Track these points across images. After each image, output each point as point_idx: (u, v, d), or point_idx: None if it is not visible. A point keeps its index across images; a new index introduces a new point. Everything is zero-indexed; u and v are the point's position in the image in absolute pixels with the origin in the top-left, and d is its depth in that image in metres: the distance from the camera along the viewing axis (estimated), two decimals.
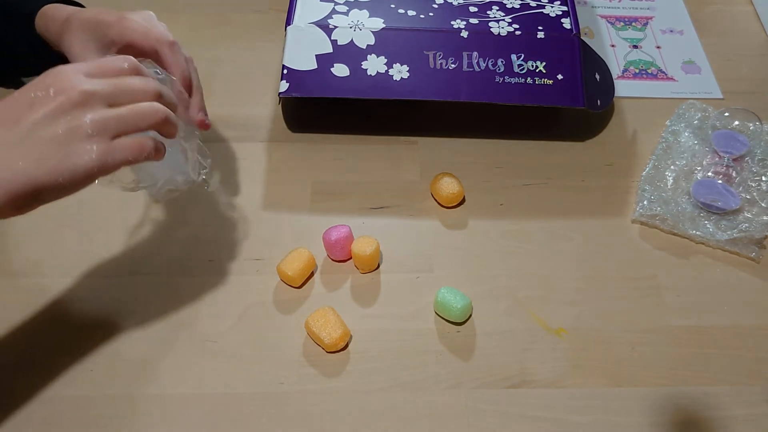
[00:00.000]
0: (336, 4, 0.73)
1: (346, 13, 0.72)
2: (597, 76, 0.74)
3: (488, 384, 0.55)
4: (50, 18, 0.59)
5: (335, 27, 0.71)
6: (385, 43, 0.71)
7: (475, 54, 0.70)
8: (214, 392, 0.54)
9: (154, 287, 0.61)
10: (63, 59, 0.64)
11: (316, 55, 0.70)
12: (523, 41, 0.71)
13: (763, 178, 0.68)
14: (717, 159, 0.69)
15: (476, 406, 0.54)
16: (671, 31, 0.87)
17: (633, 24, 0.87)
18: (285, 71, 0.70)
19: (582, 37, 0.73)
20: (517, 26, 0.72)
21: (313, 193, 0.68)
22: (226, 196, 0.68)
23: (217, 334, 0.58)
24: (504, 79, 0.70)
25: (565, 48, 0.71)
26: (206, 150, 0.58)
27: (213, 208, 0.67)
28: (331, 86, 0.69)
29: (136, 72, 0.48)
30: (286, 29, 0.72)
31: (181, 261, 0.62)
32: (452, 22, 0.72)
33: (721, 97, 0.78)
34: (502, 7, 0.74)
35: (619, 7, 0.90)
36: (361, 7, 0.73)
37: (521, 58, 0.70)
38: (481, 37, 0.71)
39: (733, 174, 0.68)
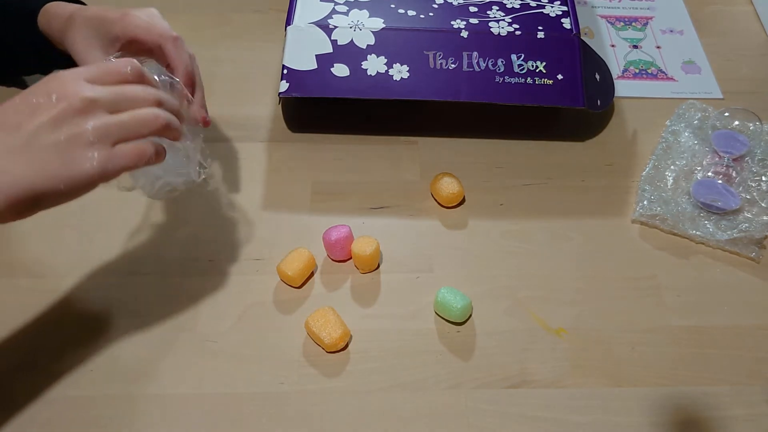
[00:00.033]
0: (336, 4, 0.73)
1: (346, 13, 0.72)
2: (597, 76, 0.74)
3: (488, 384, 0.55)
4: (53, 15, 0.59)
5: (335, 27, 0.71)
6: (385, 43, 0.71)
7: (475, 54, 0.70)
8: (214, 392, 0.54)
9: (154, 287, 0.61)
10: (65, 57, 0.64)
11: (316, 55, 0.70)
12: (523, 41, 0.71)
13: (763, 178, 0.68)
14: (717, 159, 0.69)
15: (476, 406, 0.54)
16: (671, 31, 0.87)
17: (633, 24, 0.87)
18: (285, 71, 0.70)
19: (582, 37, 0.73)
20: (517, 26, 0.72)
21: (313, 193, 0.68)
22: (226, 196, 0.68)
23: (217, 334, 0.58)
24: (504, 79, 0.70)
25: (565, 48, 0.71)
26: (207, 150, 0.58)
27: (213, 208, 0.67)
28: (331, 86, 0.69)
29: (139, 76, 0.48)
30: (286, 29, 0.72)
31: (181, 261, 0.62)
32: (452, 22, 0.72)
33: (721, 97, 0.78)
34: (502, 7, 0.74)
35: (619, 7, 0.90)
36: (361, 7, 0.73)
37: (521, 58, 0.70)
38: (481, 37, 0.71)
39: (733, 174, 0.68)
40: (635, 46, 0.84)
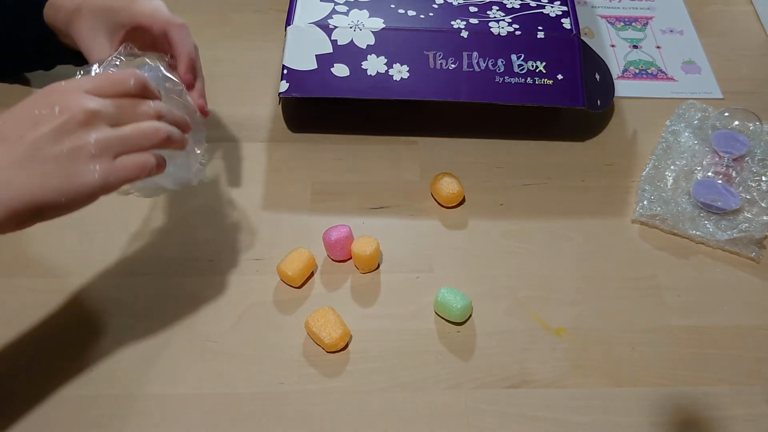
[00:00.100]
0: (336, 4, 0.73)
1: (346, 13, 0.72)
2: (597, 76, 0.74)
3: (488, 384, 0.55)
4: (59, 7, 0.60)
5: (335, 27, 0.71)
6: (385, 43, 0.71)
7: (475, 54, 0.70)
8: (214, 392, 0.54)
9: (154, 287, 0.61)
10: (68, 52, 0.65)
11: (316, 55, 0.70)
12: (523, 41, 0.71)
13: (763, 178, 0.68)
14: (717, 159, 0.69)
15: (476, 406, 0.54)
16: (671, 31, 0.87)
17: (633, 24, 0.87)
18: (285, 71, 0.70)
19: (582, 37, 0.73)
20: (517, 26, 0.72)
21: (313, 193, 0.68)
22: (226, 196, 0.68)
23: (217, 334, 0.58)
24: (504, 79, 0.70)
25: (565, 48, 0.71)
26: (206, 155, 0.58)
27: (213, 208, 0.67)
28: (331, 86, 0.69)
29: (142, 88, 0.48)
30: (286, 29, 0.72)
31: (181, 261, 0.62)
32: (452, 22, 0.72)
33: (721, 97, 0.78)
34: (502, 7, 0.74)
35: (619, 7, 0.90)
36: (361, 7, 0.73)
37: (521, 58, 0.70)
38: (481, 37, 0.71)
39: (733, 174, 0.68)
40: (635, 46, 0.84)
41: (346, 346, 0.57)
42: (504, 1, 0.75)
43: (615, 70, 0.81)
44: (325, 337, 0.55)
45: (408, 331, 0.58)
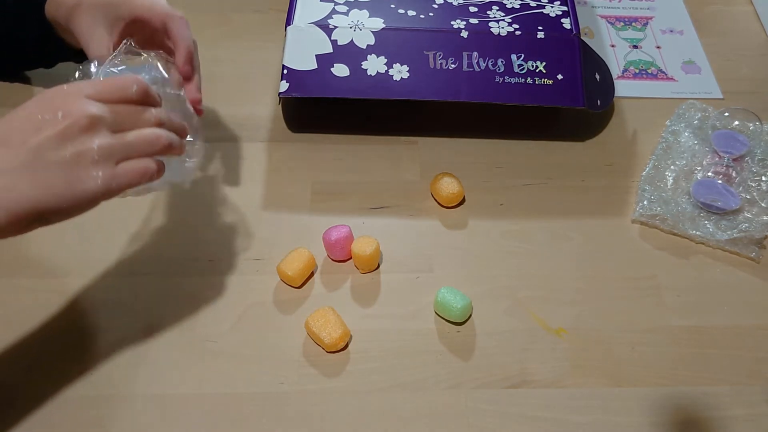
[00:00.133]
0: (336, 4, 0.73)
1: (346, 13, 0.72)
2: (597, 76, 0.74)
3: (488, 384, 0.55)
4: (61, 2, 0.61)
5: (335, 27, 0.71)
6: (385, 43, 0.71)
7: (475, 54, 0.70)
8: (214, 392, 0.54)
9: (154, 287, 0.61)
10: (69, 51, 0.65)
11: (316, 55, 0.70)
12: (523, 41, 0.71)
13: (763, 178, 0.68)
14: (717, 159, 0.69)
15: (476, 406, 0.54)
16: (671, 31, 0.87)
17: (633, 24, 0.87)
18: (285, 71, 0.70)
19: (582, 37, 0.73)
20: (517, 26, 0.72)
21: (313, 193, 0.68)
22: (226, 196, 0.68)
23: (217, 334, 0.58)
24: (504, 79, 0.70)
25: (565, 48, 0.71)
26: (202, 154, 0.57)
27: (213, 208, 0.67)
28: (331, 86, 0.69)
29: (145, 94, 0.48)
30: (286, 29, 0.72)
31: (181, 261, 0.62)
32: (452, 22, 0.72)
33: (721, 97, 0.78)
34: (502, 7, 0.74)
35: (619, 7, 0.90)
36: (361, 7, 0.73)
37: (521, 58, 0.70)
38: (481, 37, 0.71)
39: (733, 174, 0.68)
40: (635, 46, 0.84)
41: (346, 346, 0.57)
42: (504, 1, 0.75)
43: (615, 70, 0.81)
44: (325, 337, 0.55)
45: (408, 331, 0.58)
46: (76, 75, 0.54)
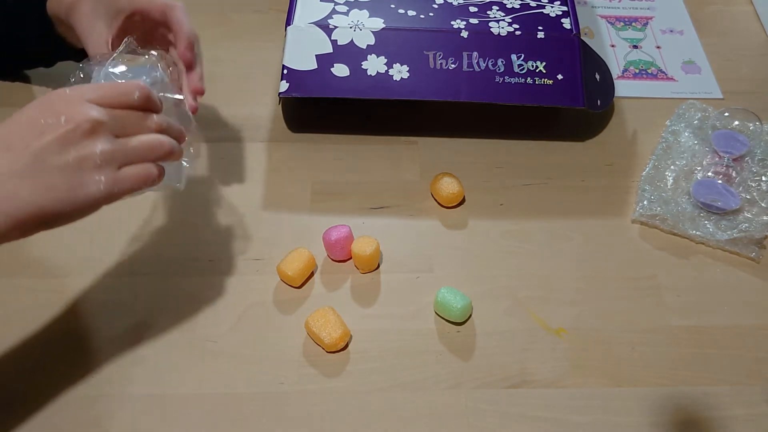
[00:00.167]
0: (336, 4, 0.73)
1: (346, 13, 0.72)
2: (597, 76, 0.74)
3: (488, 384, 0.55)
4: None
5: (335, 27, 0.71)
6: (385, 43, 0.71)
7: (475, 54, 0.70)
8: (214, 392, 0.54)
9: (154, 287, 0.61)
10: (69, 50, 0.65)
11: (316, 55, 0.70)
12: (523, 41, 0.71)
13: (763, 178, 0.68)
14: (717, 159, 0.69)
15: (476, 406, 0.54)
16: (671, 31, 0.87)
17: (633, 24, 0.87)
18: (285, 71, 0.70)
19: (582, 37, 0.73)
20: (517, 26, 0.72)
21: (313, 193, 0.68)
22: (226, 196, 0.68)
23: (217, 334, 0.58)
24: (504, 79, 0.70)
25: (565, 48, 0.71)
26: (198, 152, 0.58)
27: (213, 208, 0.67)
28: (331, 86, 0.69)
29: (147, 100, 0.48)
30: (286, 29, 0.72)
31: (181, 261, 0.62)
32: (452, 22, 0.72)
33: (721, 97, 0.78)
34: (502, 7, 0.74)
35: (619, 7, 0.90)
36: (361, 7, 0.73)
37: (521, 58, 0.70)
38: (481, 37, 0.71)
39: (733, 174, 0.68)
40: (635, 46, 0.84)
41: (346, 346, 0.57)
42: (504, 1, 0.75)
43: (615, 70, 0.81)
44: (325, 337, 0.55)
45: (408, 331, 0.58)
46: (77, 74, 0.54)
